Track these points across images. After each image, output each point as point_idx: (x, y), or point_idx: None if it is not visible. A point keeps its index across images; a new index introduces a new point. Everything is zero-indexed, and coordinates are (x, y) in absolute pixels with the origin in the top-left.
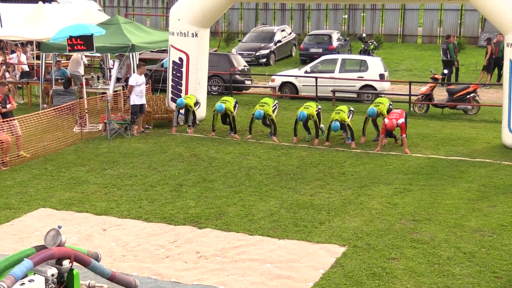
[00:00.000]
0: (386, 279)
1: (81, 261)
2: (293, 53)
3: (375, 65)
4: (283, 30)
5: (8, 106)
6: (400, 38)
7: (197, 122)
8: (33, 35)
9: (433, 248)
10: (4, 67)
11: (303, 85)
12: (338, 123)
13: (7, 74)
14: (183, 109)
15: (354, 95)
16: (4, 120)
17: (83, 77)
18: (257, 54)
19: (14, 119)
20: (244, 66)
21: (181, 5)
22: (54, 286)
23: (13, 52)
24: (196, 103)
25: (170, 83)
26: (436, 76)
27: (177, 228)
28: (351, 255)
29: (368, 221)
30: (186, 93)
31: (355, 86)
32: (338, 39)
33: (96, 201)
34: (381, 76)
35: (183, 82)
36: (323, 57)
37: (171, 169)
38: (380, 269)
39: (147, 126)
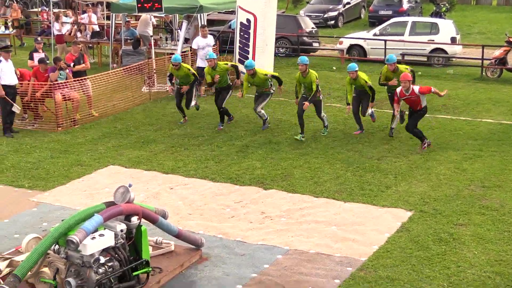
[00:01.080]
0: (453, 245)
1: (149, 218)
2: (362, 15)
3: (447, 28)
4: None
5: (82, 65)
6: (473, 0)
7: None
8: None
9: (503, 215)
10: (75, 27)
11: (371, 48)
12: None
13: (78, 34)
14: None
15: (424, 59)
16: (77, 79)
17: (152, 38)
18: (325, 16)
19: (86, 79)
20: (312, 28)
21: None
22: (122, 241)
23: (84, 12)
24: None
25: (237, 44)
26: (511, 39)
27: (242, 189)
28: (418, 220)
29: (435, 186)
30: (254, 54)
31: (425, 49)
32: (409, 1)
33: (164, 160)
34: (453, 40)
35: (251, 43)
36: (392, 20)
37: (237, 130)
38: (447, 234)
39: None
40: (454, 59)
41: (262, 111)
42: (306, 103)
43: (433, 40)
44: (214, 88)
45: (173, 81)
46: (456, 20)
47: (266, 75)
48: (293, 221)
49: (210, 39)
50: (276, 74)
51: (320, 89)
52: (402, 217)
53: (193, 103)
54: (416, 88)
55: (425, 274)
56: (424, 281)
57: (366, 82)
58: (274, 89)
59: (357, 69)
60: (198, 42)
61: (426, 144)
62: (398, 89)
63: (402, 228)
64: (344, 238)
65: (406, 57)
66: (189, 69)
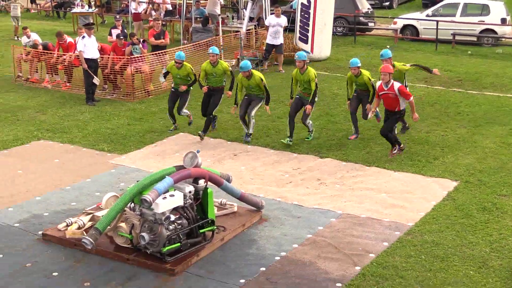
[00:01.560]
0: (496, 214)
1: (214, 181)
2: None
3: (498, 9)
4: None
5: (161, 40)
6: None
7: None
8: None
9: None
10: (150, 6)
11: (424, 28)
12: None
13: (153, 13)
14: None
15: (474, 39)
16: (155, 52)
17: (219, 16)
18: None
19: (165, 53)
20: (368, 8)
21: None
22: (190, 202)
23: None
24: None
25: (298, 23)
26: None
27: (300, 157)
28: (463, 190)
29: (481, 158)
30: (313, 33)
31: (475, 30)
32: None
33: (228, 129)
34: (503, 21)
35: (310, 23)
36: (445, 1)
37: None
38: (490, 204)
39: (276, 63)
40: (503, 39)
41: (253, 119)
42: (309, 106)
43: (484, 21)
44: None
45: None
46: (507, 1)
47: (262, 80)
48: (346, 188)
49: (283, 19)
50: (267, 87)
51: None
52: (448, 187)
53: (185, 111)
54: (396, 85)
55: (468, 240)
56: (467, 246)
57: (369, 79)
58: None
59: (359, 65)
60: (270, 20)
61: (397, 150)
62: (378, 83)
63: (447, 197)
64: (393, 205)
65: (456, 37)
66: (191, 69)
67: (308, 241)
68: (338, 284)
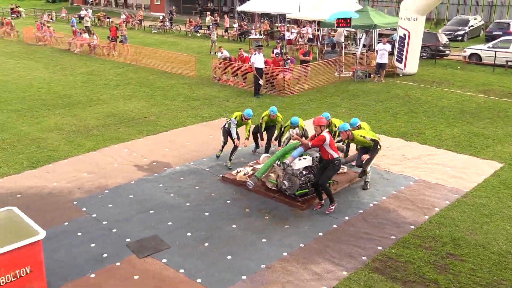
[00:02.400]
0: None
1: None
2: (481, 34)
3: None
4: (475, 18)
5: (307, 57)
6: None
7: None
8: (316, 16)
9: None
10: (299, 35)
11: (485, 56)
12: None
13: (300, 40)
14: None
15: None
16: (302, 65)
17: (343, 43)
18: (456, 33)
19: (308, 65)
20: (446, 41)
21: (409, 0)
22: (316, 164)
23: (304, 26)
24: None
25: (396, 49)
26: None
27: (391, 139)
28: (506, 170)
29: None
30: (406, 57)
31: None
32: None
33: (345, 118)
34: None
35: (405, 49)
36: (502, 38)
37: (391, 103)
38: None
39: (378, 75)
40: None
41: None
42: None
43: None
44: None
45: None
46: None
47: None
48: (422, 162)
49: (388, 46)
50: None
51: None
52: (495, 167)
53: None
54: (324, 133)
55: (508, 204)
56: (506, 209)
57: (364, 137)
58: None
59: (348, 128)
60: (379, 46)
61: (333, 207)
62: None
63: (494, 173)
64: (455, 176)
65: (509, 63)
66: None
67: (393, 196)
68: (412, 226)
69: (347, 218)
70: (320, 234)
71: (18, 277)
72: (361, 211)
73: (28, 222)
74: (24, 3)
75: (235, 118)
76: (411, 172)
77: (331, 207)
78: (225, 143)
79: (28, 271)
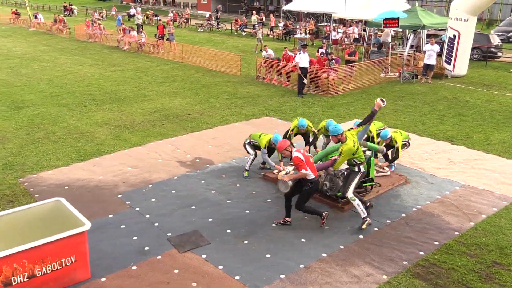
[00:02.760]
0: None
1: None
2: None
3: None
4: None
5: (352, 57)
6: None
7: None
8: (363, 15)
9: None
10: (344, 35)
11: None
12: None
13: (345, 39)
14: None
15: None
16: (347, 65)
17: (390, 43)
18: (509, 35)
19: (353, 65)
20: (498, 42)
21: (460, 0)
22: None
23: (350, 26)
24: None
25: (445, 50)
26: None
27: (437, 143)
28: None
29: None
30: (455, 58)
31: None
32: None
33: (389, 119)
34: None
35: (454, 51)
36: None
37: (438, 105)
38: None
39: (426, 77)
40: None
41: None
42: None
43: None
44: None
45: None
46: None
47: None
48: (469, 167)
49: (436, 47)
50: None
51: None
52: None
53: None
54: (293, 155)
55: None
56: None
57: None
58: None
59: (341, 132)
60: (426, 47)
61: (325, 219)
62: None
63: None
64: (503, 182)
65: None
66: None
67: (437, 200)
68: (456, 232)
69: (389, 221)
70: (361, 236)
71: (64, 265)
72: (403, 214)
73: (74, 213)
74: (76, 1)
75: (264, 146)
76: (457, 176)
77: (323, 221)
78: (255, 156)
79: (73, 261)
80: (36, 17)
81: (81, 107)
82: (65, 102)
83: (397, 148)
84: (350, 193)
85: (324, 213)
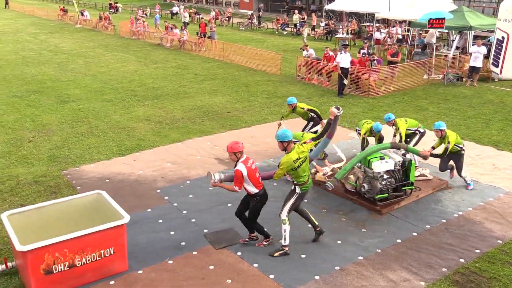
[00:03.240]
0: None
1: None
2: None
3: None
4: None
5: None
6: None
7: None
8: (407, 16)
9: None
10: (387, 35)
11: None
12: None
13: (388, 40)
14: None
15: None
16: (389, 66)
17: (434, 44)
18: None
19: (395, 67)
20: None
21: (510, 1)
22: (399, 168)
23: (393, 26)
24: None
25: (492, 52)
26: None
27: (481, 147)
28: None
29: None
30: (503, 61)
31: None
32: None
33: (431, 122)
34: None
35: (502, 53)
36: None
37: (484, 109)
38: None
39: (471, 79)
40: None
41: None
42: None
43: None
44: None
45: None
46: None
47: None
48: None
49: (483, 48)
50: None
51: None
52: None
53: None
54: (237, 167)
55: None
56: None
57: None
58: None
59: (288, 139)
60: (473, 49)
61: (266, 242)
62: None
63: None
64: None
65: None
66: (303, 108)
67: (480, 207)
68: (499, 241)
69: (428, 226)
70: (398, 240)
71: (103, 256)
72: (444, 220)
73: (114, 206)
74: None
75: (364, 133)
76: (502, 183)
77: (264, 242)
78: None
79: (112, 252)
80: (82, 14)
81: (123, 103)
82: (108, 98)
83: (400, 134)
84: (283, 215)
85: (270, 237)
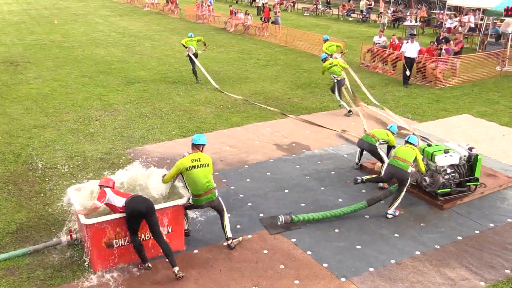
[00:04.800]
0: None
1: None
2: None
3: None
4: None
5: (454, 48)
6: None
7: None
8: (481, 3)
9: None
10: (459, 23)
11: None
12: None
13: (460, 28)
14: None
15: None
16: (454, 56)
17: (510, 34)
18: None
19: (460, 57)
20: None
21: None
22: (464, 162)
23: (466, 14)
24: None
25: None
26: None
27: None
28: None
29: None
30: None
31: None
32: None
33: (502, 116)
34: None
35: None
36: None
37: None
38: None
39: None
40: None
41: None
42: None
43: None
44: None
45: None
46: None
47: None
48: None
49: None
50: None
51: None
52: None
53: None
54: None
55: None
56: None
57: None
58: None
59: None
60: None
61: (146, 266)
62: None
63: None
64: None
65: None
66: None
67: None
68: None
69: (492, 225)
70: (459, 237)
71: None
72: (510, 220)
73: (176, 185)
74: None
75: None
76: None
77: (142, 265)
78: None
79: (170, 231)
80: None
81: (186, 86)
82: (172, 80)
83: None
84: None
85: (147, 264)
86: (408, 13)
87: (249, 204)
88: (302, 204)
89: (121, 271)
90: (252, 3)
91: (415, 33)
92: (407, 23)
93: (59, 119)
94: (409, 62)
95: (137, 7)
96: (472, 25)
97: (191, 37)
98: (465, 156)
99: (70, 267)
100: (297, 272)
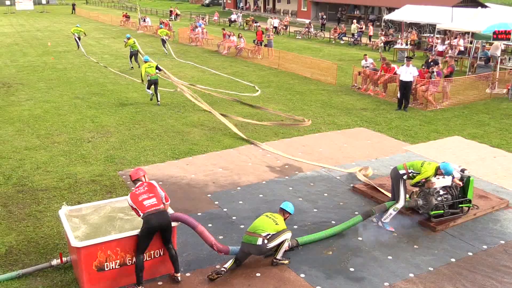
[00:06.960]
0: None
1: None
2: None
3: None
4: None
5: (445, 70)
6: None
7: None
8: (470, 27)
9: None
10: (448, 46)
11: None
12: None
13: (449, 51)
14: None
15: None
16: (444, 79)
17: (499, 57)
18: None
19: (450, 79)
20: None
21: None
22: (455, 184)
23: (455, 38)
24: None
25: None
26: None
27: None
28: None
29: None
30: None
31: None
32: None
33: (493, 136)
34: None
35: None
36: None
37: None
38: None
39: None
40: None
41: None
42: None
43: None
44: None
45: None
46: None
47: None
48: None
49: None
50: None
51: None
52: None
53: None
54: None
55: None
56: None
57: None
58: None
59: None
60: None
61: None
62: None
63: None
64: None
65: None
66: None
67: None
68: None
69: (485, 247)
70: (453, 260)
71: (152, 257)
72: (502, 241)
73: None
74: (181, 6)
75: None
76: None
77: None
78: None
79: (161, 254)
80: (144, 20)
81: (178, 107)
82: (165, 102)
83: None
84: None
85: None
86: (399, 37)
87: (242, 226)
88: (295, 226)
89: None
90: (230, 24)
91: (408, 55)
92: (397, 46)
93: (51, 140)
94: (403, 85)
95: (130, 29)
96: (462, 48)
97: (147, 61)
98: (457, 178)
99: None
100: None
